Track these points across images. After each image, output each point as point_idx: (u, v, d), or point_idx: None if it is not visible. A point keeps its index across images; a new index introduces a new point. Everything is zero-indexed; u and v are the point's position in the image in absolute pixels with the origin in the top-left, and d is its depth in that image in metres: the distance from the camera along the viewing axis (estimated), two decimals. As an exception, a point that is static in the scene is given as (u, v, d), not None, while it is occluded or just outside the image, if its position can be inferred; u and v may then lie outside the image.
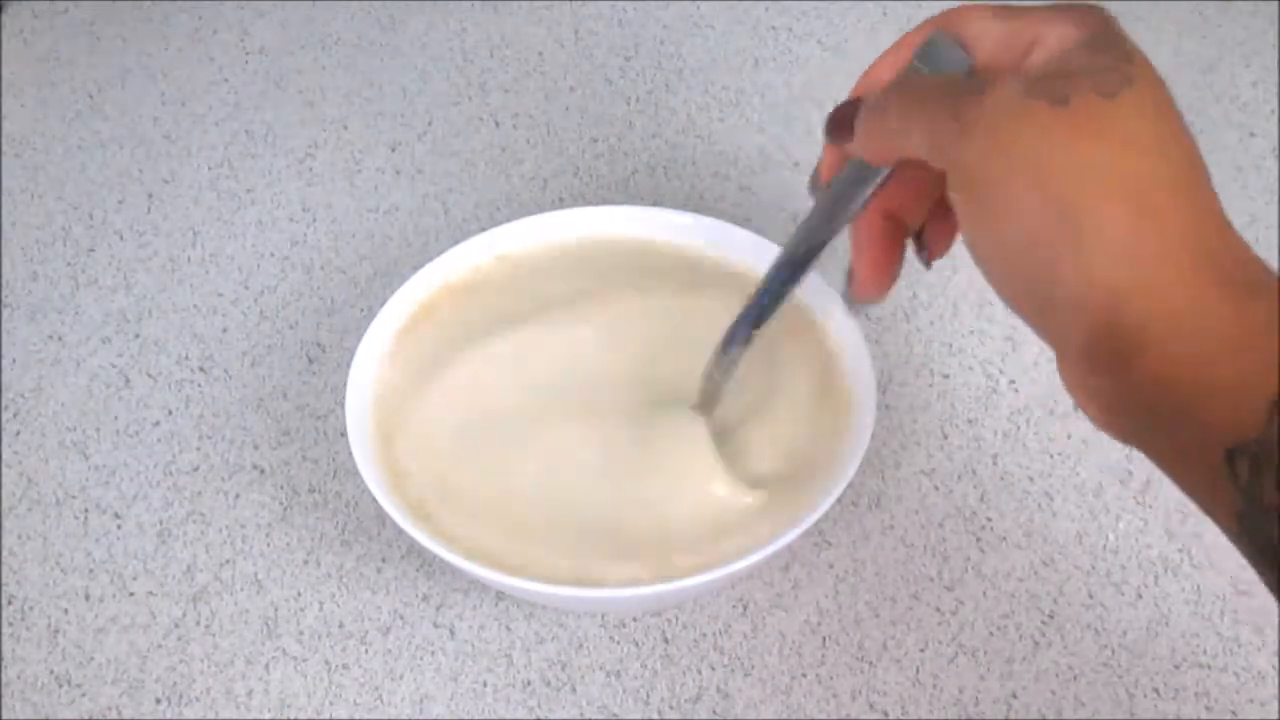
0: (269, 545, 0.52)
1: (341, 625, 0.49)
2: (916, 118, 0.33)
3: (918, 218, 0.39)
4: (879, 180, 0.37)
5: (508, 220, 0.54)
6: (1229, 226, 0.30)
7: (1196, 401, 0.28)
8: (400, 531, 0.45)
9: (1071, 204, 0.29)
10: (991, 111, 0.31)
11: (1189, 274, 0.29)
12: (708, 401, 0.46)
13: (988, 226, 0.32)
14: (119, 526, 0.53)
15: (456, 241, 0.54)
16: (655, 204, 0.61)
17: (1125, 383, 0.30)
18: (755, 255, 0.52)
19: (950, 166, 0.32)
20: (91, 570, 0.51)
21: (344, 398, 0.48)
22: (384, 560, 0.51)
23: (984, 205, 0.31)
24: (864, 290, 0.40)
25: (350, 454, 0.46)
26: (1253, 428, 0.27)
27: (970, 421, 0.55)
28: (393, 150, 0.68)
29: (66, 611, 0.50)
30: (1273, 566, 0.28)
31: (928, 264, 0.40)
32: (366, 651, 0.49)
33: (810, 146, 0.66)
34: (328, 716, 0.47)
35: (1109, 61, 0.31)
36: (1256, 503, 0.27)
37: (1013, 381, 0.56)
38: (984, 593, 0.50)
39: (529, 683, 0.48)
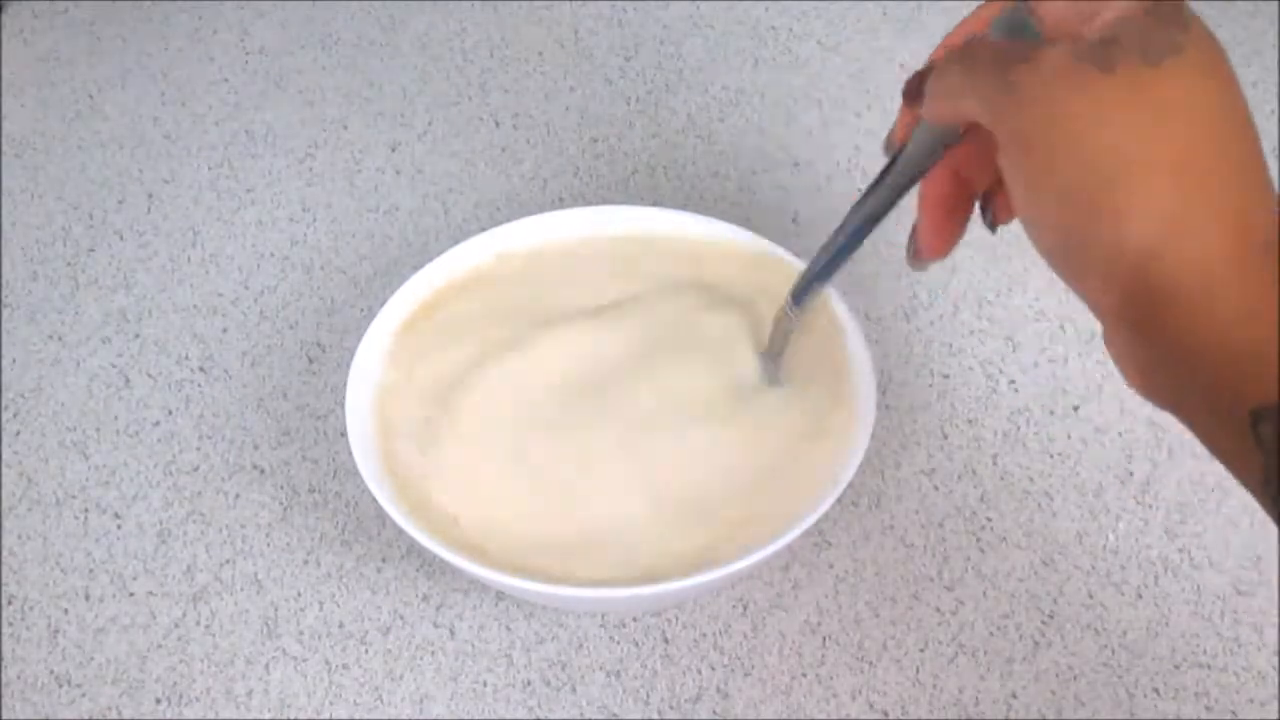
0: (269, 545, 0.52)
1: (341, 625, 0.49)
2: (973, 82, 0.34)
3: (985, 181, 0.40)
4: (947, 142, 0.38)
5: (508, 220, 0.54)
6: (1269, 194, 0.31)
7: (1223, 363, 0.29)
8: (400, 531, 0.45)
9: (1108, 167, 0.30)
10: (1038, 76, 0.31)
11: (1223, 238, 0.30)
12: (776, 347, 0.48)
13: (1030, 187, 0.32)
14: (119, 526, 0.53)
15: (456, 241, 0.54)
16: (655, 204, 0.61)
17: (1158, 343, 0.31)
18: (755, 255, 0.53)
19: (998, 129, 0.33)
20: (91, 570, 0.51)
21: (344, 398, 0.48)
22: (384, 560, 0.51)
23: (1027, 166, 0.32)
24: (926, 248, 0.41)
25: (350, 454, 0.46)
26: (1275, 391, 0.28)
27: (970, 421, 0.55)
28: (393, 150, 0.68)
29: (66, 611, 0.50)
30: None
31: (992, 227, 0.40)
32: (366, 651, 0.49)
33: (810, 147, 0.66)
34: (328, 716, 0.47)
35: (1161, 31, 0.31)
36: None
37: (1013, 381, 0.56)
38: (984, 593, 0.50)
39: (529, 683, 0.48)
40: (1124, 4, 0.32)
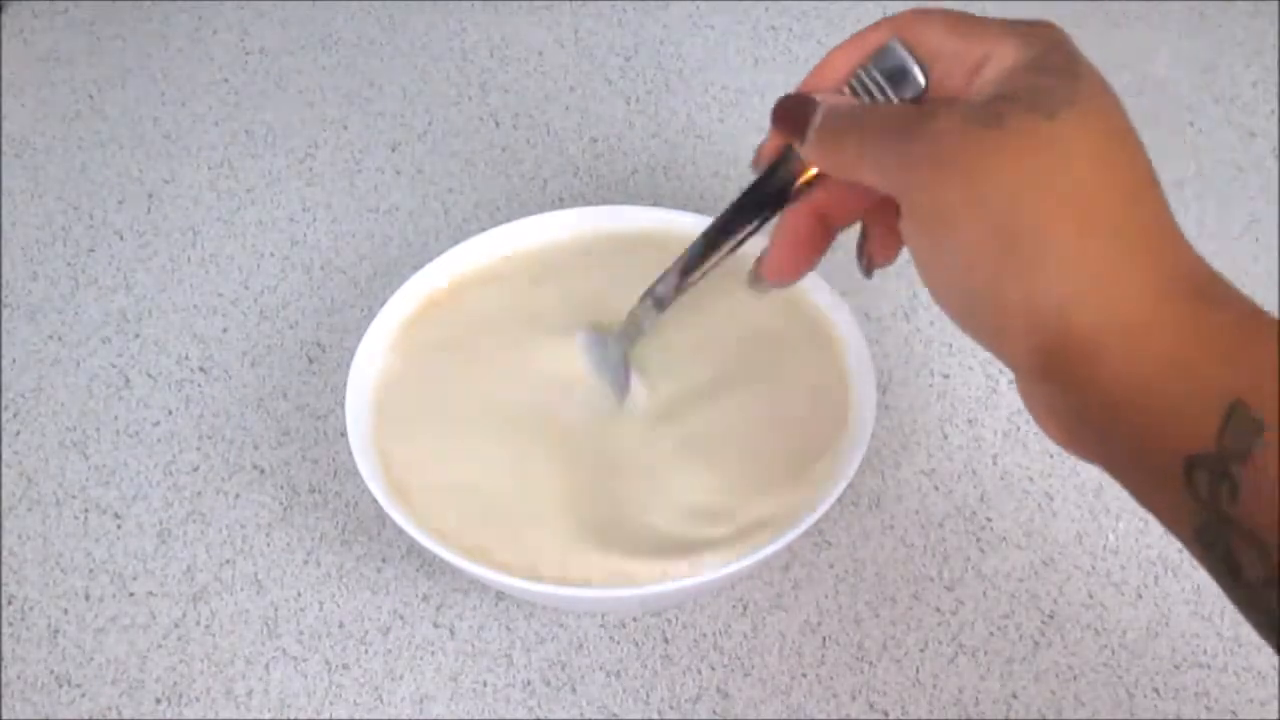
0: (269, 545, 0.52)
1: (341, 625, 0.49)
2: (868, 152, 0.33)
3: (845, 221, 0.39)
4: (812, 175, 0.38)
5: (508, 220, 0.54)
6: (1181, 239, 0.30)
7: (1152, 413, 0.28)
8: (400, 531, 0.45)
9: (1011, 223, 0.29)
10: (933, 140, 0.31)
11: (1137, 285, 0.29)
12: (627, 336, 0.47)
13: (934, 253, 0.32)
14: (119, 526, 0.53)
15: (456, 241, 0.54)
16: (655, 204, 0.61)
17: (1080, 398, 0.30)
18: (754, 255, 0.53)
19: (899, 196, 0.32)
20: (91, 570, 0.51)
21: (344, 398, 0.48)
22: (384, 560, 0.51)
23: (929, 232, 0.32)
24: (771, 275, 0.41)
25: (350, 454, 0.46)
26: (1209, 439, 0.27)
27: (970, 421, 0.55)
28: (393, 150, 0.68)
29: (66, 611, 0.50)
30: (1231, 575, 0.27)
31: (867, 273, 0.40)
32: (366, 651, 0.49)
33: (810, 146, 0.66)
34: (328, 716, 0.47)
35: (1051, 81, 0.31)
36: (1216, 513, 0.27)
37: (1013, 381, 0.56)
38: (984, 593, 0.50)
39: (529, 683, 0.48)
40: (1010, 51, 0.32)
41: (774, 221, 0.40)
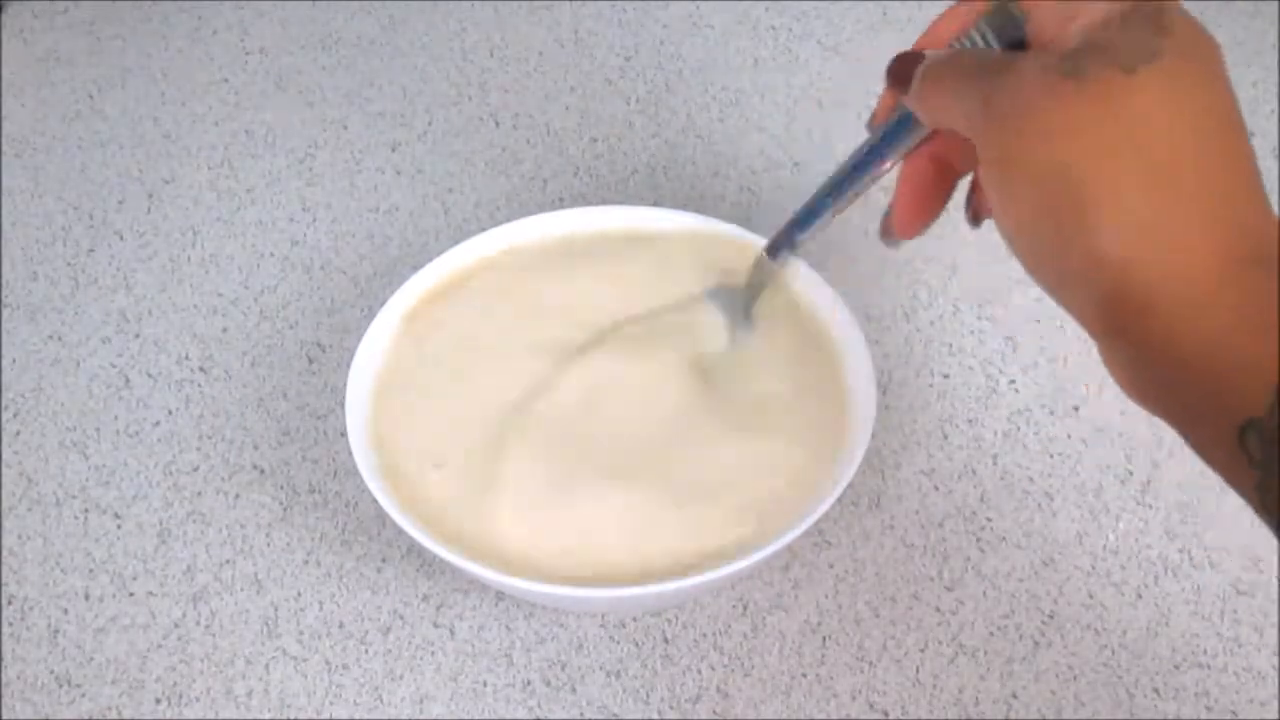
0: (269, 545, 0.52)
1: (341, 625, 0.49)
2: (957, 94, 0.34)
3: (966, 167, 0.40)
4: (925, 131, 0.38)
5: (508, 220, 0.54)
6: (1259, 202, 0.30)
7: (1208, 374, 0.29)
8: (400, 531, 0.45)
9: (1080, 178, 0.30)
10: (1012, 90, 0.31)
11: (1205, 248, 0.29)
12: (748, 299, 0.50)
13: (1007, 202, 0.32)
14: (119, 526, 0.53)
15: (456, 241, 0.54)
16: (655, 204, 0.61)
17: (1144, 353, 0.30)
18: (754, 255, 0.53)
19: (976, 141, 0.33)
20: (91, 570, 0.51)
21: (344, 398, 0.48)
22: (384, 560, 0.51)
23: (1003, 179, 0.32)
24: (898, 227, 0.41)
25: (350, 454, 0.46)
26: (1261, 405, 0.27)
27: (970, 421, 0.55)
28: (393, 150, 0.68)
29: (66, 611, 0.50)
30: None
31: (974, 221, 0.40)
32: (366, 651, 0.49)
33: (810, 147, 0.66)
34: (328, 716, 0.47)
35: (1139, 35, 0.30)
36: (1273, 476, 0.27)
37: (1013, 381, 0.56)
38: (984, 593, 0.50)
39: (529, 683, 0.48)
40: (1103, 5, 0.32)
41: (889, 175, 0.41)
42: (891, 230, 0.41)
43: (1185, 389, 0.29)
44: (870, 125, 0.41)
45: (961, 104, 0.33)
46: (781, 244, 0.48)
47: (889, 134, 0.40)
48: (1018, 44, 0.35)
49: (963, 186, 0.41)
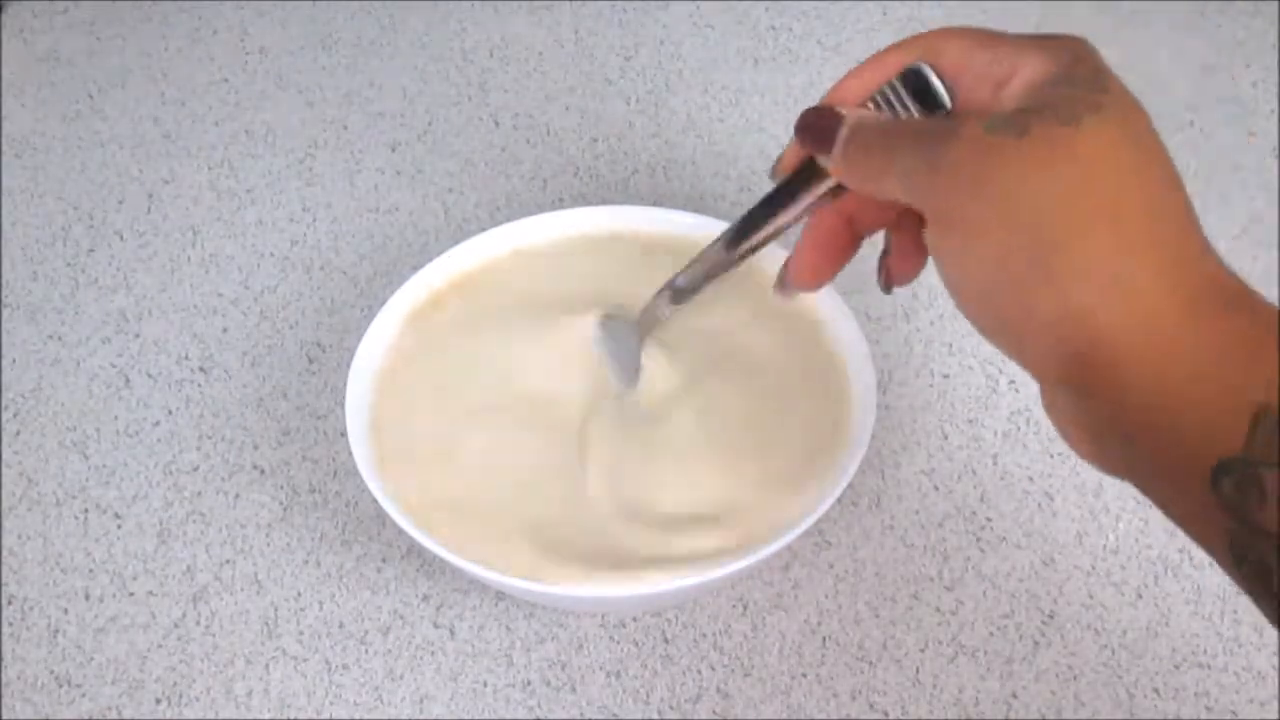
0: (269, 545, 0.52)
1: (341, 625, 0.49)
2: (891, 160, 0.33)
3: (872, 228, 0.39)
4: (831, 184, 0.38)
5: (508, 220, 0.54)
6: (1206, 247, 0.30)
7: (1179, 420, 0.28)
8: (400, 531, 0.45)
9: (1035, 233, 0.29)
10: (958, 151, 0.31)
11: (1168, 293, 0.29)
12: (644, 325, 0.48)
13: (959, 262, 0.32)
14: (119, 526, 0.53)
15: (456, 241, 0.54)
16: (655, 204, 0.61)
17: (1106, 407, 0.30)
18: (754, 255, 0.53)
19: (924, 208, 0.32)
20: (91, 570, 0.51)
21: (344, 398, 0.48)
22: (384, 560, 0.51)
23: (955, 243, 0.32)
24: (796, 279, 0.41)
25: (350, 454, 0.46)
26: (1236, 444, 0.27)
27: (970, 421, 0.55)
28: (393, 150, 0.68)
29: (66, 611, 0.50)
30: (1268, 592, 0.27)
31: (886, 288, 0.40)
32: (366, 651, 0.49)
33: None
34: (328, 716, 0.47)
35: (1078, 92, 0.31)
36: (1246, 522, 0.27)
37: (1013, 381, 0.56)
38: (984, 593, 0.50)
39: (529, 683, 0.48)
40: (1036, 65, 0.32)
41: (791, 227, 0.40)
42: (788, 282, 0.41)
43: (1152, 439, 0.29)
44: (774, 175, 0.40)
45: (898, 169, 0.33)
46: (666, 291, 0.47)
47: (792, 187, 0.39)
48: (932, 105, 0.35)
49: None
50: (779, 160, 0.40)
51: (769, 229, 0.41)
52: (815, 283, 0.41)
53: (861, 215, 0.39)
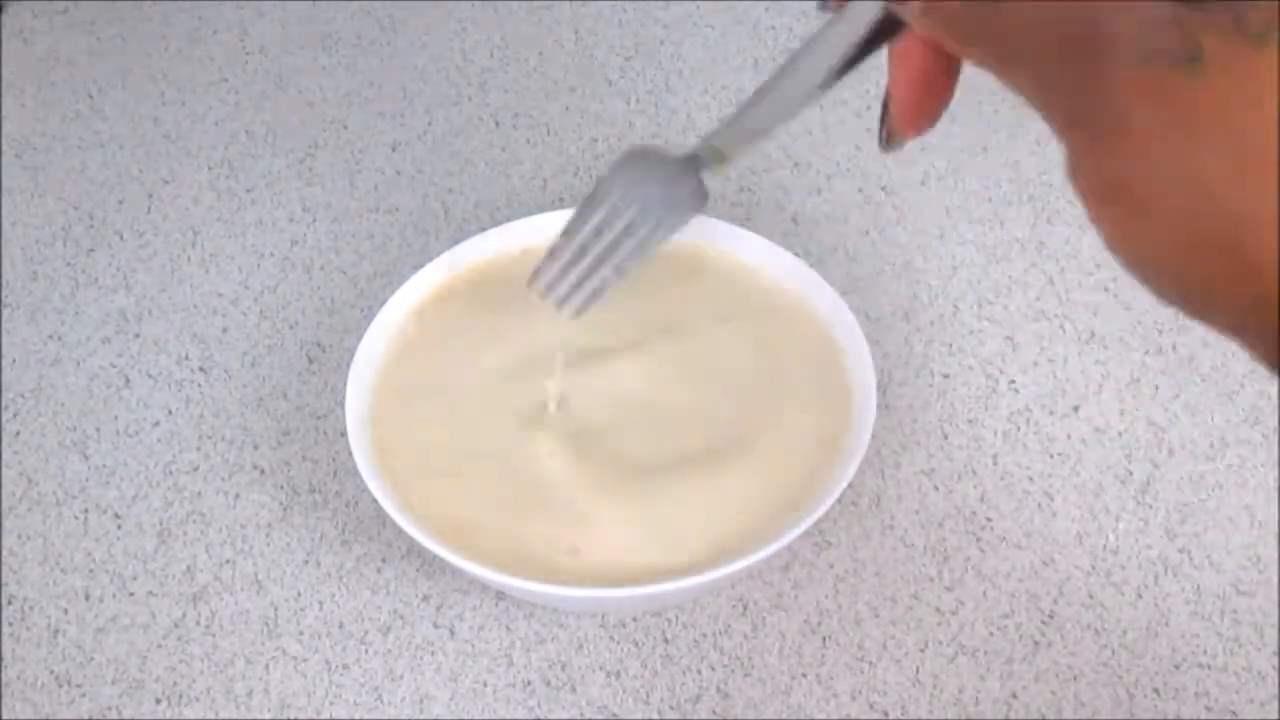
0: (269, 545, 0.52)
1: (341, 625, 0.49)
2: (1026, 62, 0.27)
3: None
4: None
5: (508, 220, 0.54)
6: None
7: None
8: (400, 531, 0.45)
9: (1228, 201, 0.24)
10: (1109, 95, 0.25)
11: None
12: (703, 161, 0.44)
13: (1133, 236, 0.26)
14: (119, 526, 0.53)
15: (456, 241, 0.54)
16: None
17: None
18: (755, 255, 0.53)
19: (1069, 150, 0.27)
20: (91, 570, 0.51)
21: (344, 398, 0.48)
22: (384, 560, 0.51)
23: (1113, 203, 0.26)
24: (907, 125, 0.34)
25: (350, 454, 0.46)
26: None
27: (970, 421, 0.55)
28: (393, 150, 0.68)
29: (66, 611, 0.50)
30: None
31: (886, 145, 0.35)
32: (366, 651, 0.49)
33: (810, 147, 0.66)
34: (328, 716, 0.47)
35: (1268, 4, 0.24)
36: None
37: (1013, 381, 0.56)
38: (984, 593, 0.50)
39: (529, 683, 0.48)
40: None
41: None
42: (895, 130, 0.35)
43: None
44: (821, 6, 0.34)
45: (1031, 78, 0.27)
46: (732, 129, 0.42)
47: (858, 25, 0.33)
48: None
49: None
50: None
51: (865, 58, 0.34)
52: (928, 122, 0.34)
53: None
